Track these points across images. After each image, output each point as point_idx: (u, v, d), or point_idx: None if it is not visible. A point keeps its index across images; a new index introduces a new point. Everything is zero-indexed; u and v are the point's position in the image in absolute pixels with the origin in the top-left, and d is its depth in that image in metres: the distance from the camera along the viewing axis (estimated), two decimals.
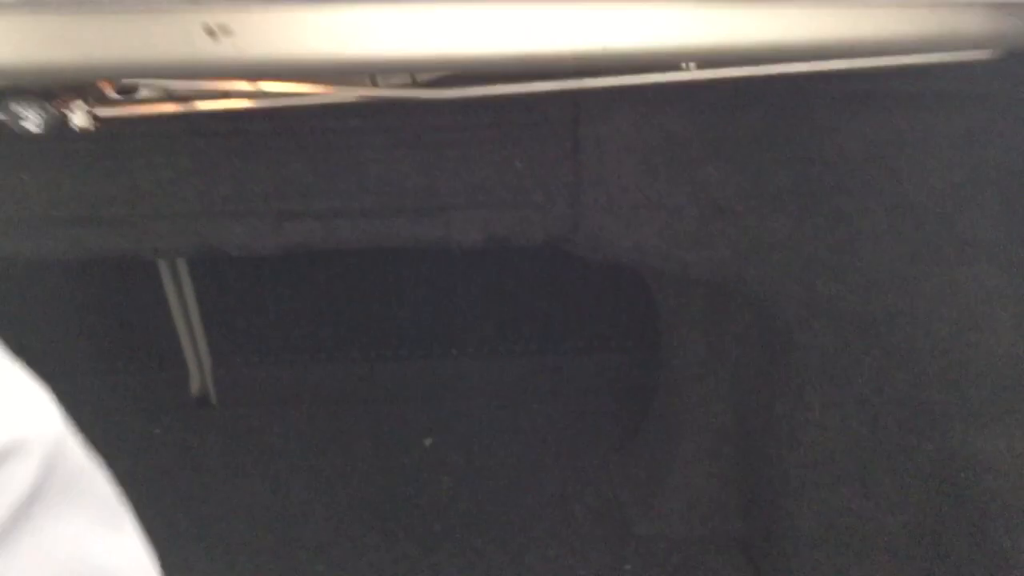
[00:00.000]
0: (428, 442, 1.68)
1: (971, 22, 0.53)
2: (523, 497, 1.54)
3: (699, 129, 1.12)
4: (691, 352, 1.38)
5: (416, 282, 1.68)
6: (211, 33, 0.47)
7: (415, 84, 0.77)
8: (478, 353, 1.75)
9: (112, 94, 0.65)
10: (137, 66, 0.48)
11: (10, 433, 0.31)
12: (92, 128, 0.65)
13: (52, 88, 0.55)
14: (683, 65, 0.87)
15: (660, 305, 1.37)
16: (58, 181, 1.10)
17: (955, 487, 1.10)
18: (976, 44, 0.56)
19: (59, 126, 0.56)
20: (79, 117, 0.63)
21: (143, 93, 0.70)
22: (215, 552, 1.42)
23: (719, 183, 1.13)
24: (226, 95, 0.71)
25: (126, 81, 0.66)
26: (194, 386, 1.75)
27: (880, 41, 0.54)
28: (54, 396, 0.35)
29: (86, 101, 0.58)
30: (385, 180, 1.13)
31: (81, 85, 0.57)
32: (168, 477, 1.58)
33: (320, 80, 0.59)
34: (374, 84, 0.85)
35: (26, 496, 0.31)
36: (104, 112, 0.62)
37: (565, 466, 1.60)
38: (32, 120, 0.54)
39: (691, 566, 1.37)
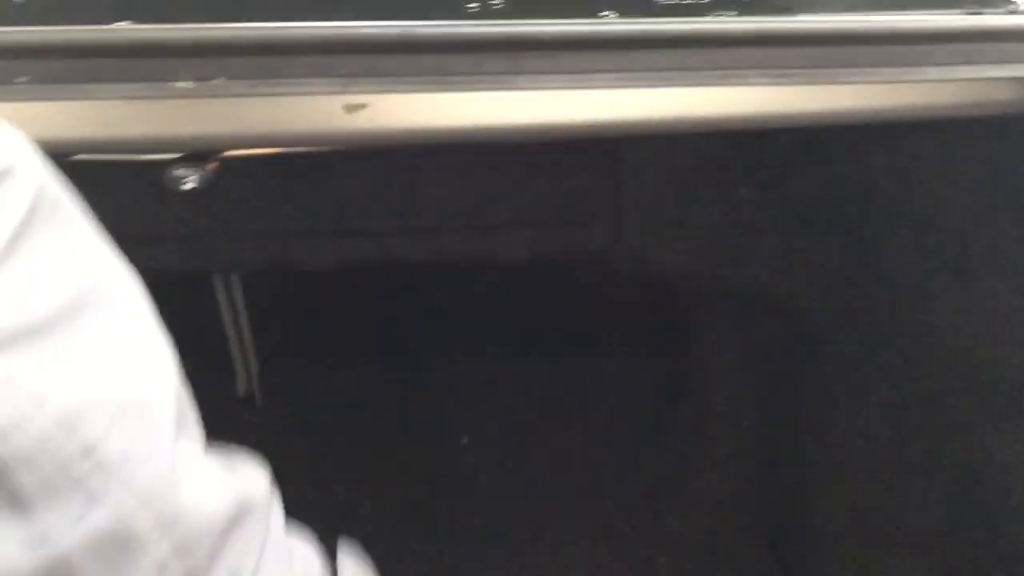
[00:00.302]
0: (464, 440, 1.76)
1: (1001, 92, 0.61)
2: (558, 491, 1.62)
3: (733, 153, 1.19)
4: (721, 358, 1.46)
5: (453, 288, 1.76)
6: (349, 110, 0.55)
7: None
8: (512, 355, 1.83)
9: None
10: (286, 137, 0.56)
11: (2, 160, 0.35)
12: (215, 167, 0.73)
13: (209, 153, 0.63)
14: None
15: (691, 314, 1.45)
16: (135, 204, 1.18)
17: (975, 486, 1.18)
18: (1006, 109, 0.64)
19: (213, 181, 0.64)
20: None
21: None
22: None
23: (751, 203, 1.21)
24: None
25: None
26: (240, 387, 1.83)
27: (917, 109, 0.62)
28: None
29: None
30: (437, 200, 1.21)
31: None
32: None
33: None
34: None
35: (24, 215, 0.34)
36: (229, 154, 0.69)
37: (597, 462, 1.68)
38: (191, 180, 0.62)
39: (722, 559, 1.45)
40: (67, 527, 0.34)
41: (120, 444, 0.35)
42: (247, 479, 0.42)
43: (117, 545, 0.35)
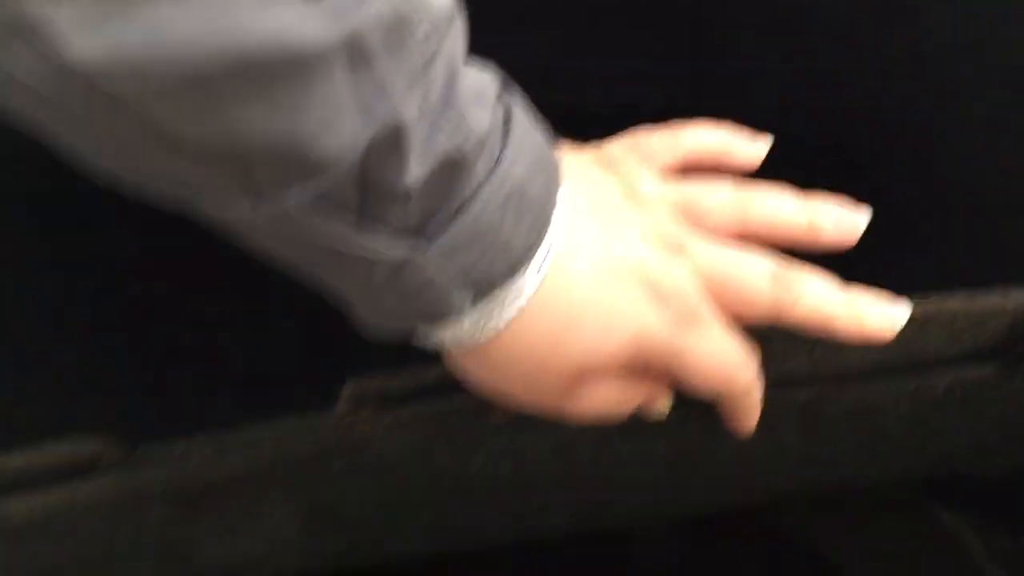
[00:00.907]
0: None
1: None
2: None
3: (814, 4, 1.22)
4: None
5: None
6: None
7: None
8: None
9: None
10: None
11: None
12: None
13: None
14: None
15: (762, 173, 1.49)
16: None
17: None
18: None
19: None
20: None
21: None
22: None
23: (830, 54, 1.24)
24: None
25: None
26: None
27: None
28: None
29: None
30: (526, 60, 1.23)
31: None
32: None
33: None
34: None
35: None
36: None
37: None
38: None
39: None
40: (354, 8, 0.43)
41: None
42: None
43: (393, 26, 0.45)
